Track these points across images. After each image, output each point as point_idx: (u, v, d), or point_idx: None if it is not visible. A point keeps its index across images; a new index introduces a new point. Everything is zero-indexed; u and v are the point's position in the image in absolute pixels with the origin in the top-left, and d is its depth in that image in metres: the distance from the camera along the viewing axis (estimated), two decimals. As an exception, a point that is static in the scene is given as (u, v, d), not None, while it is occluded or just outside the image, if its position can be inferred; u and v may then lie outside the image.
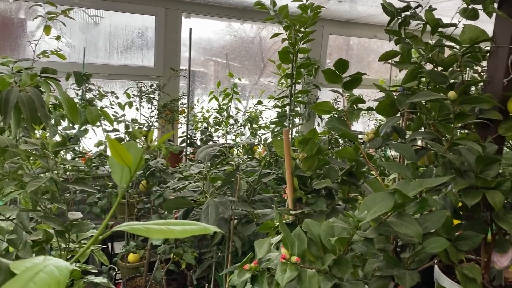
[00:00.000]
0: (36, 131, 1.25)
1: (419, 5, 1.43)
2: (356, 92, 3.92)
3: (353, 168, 1.17)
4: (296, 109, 3.57)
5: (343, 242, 0.86)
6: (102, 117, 2.59)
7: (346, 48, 5.01)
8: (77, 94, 3.12)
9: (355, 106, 1.23)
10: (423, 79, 1.31)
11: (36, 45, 2.93)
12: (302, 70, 3.40)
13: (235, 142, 3.55)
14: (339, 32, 4.49)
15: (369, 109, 1.22)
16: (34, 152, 1.01)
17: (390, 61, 1.33)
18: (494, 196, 0.96)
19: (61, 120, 2.46)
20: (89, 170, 2.99)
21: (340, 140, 2.23)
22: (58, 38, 2.82)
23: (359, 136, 1.17)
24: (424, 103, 1.07)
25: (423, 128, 1.23)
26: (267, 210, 1.52)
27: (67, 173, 3.04)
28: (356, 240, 0.86)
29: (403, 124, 1.22)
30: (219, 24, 4.19)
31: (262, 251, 1.00)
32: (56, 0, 2.96)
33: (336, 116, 1.21)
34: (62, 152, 2.81)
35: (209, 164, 1.91)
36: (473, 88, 1.54)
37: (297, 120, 4.28)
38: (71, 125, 2.66)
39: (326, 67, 4.55)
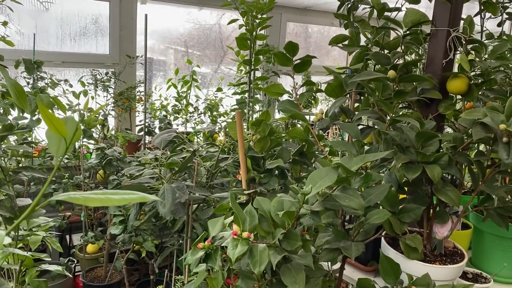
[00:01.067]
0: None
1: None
2: (315, 79, 3.99)
3: (304, 148, 1.21)
4: (256, 96, 3.60)
5: (291, 216, 0.89)
6: (55, 106, 2.52)
7: (304, 35, 5.07)
8: (28, 83, 3.01)
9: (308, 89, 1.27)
10: (371, 62, 1.36)
11: (-19, 31, 2.80)
12: (261, 57, 3.43)
13: (194, 130, 3.54)
14: (297, 19, 4.54)
15: (318, 91, 1.26)
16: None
17: (339, 44, 1.37)
18: (433, 170, 1.02)
19: (10, 109, 2.37)
20: (43, 161, 2.91)
21: (298, 124, 2.28)
22: (5, 23, 2.70)
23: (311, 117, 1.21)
24: (369, 84, 1.12)
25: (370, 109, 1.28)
26: (224, 194, 1.54)
27: (20, 164, 2.95)
28: (303, 213, 0.89)
29: (350, 105, 1.27)
30: (178, 10, 4.14)
31: (216, 230, 1.02)
32: (2, -17, 2.83)
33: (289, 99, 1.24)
34: (12, 142, 2.71)
35: (168, 152, 1.90)
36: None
37: (257, 107, 4.31)
38: (22, 114, 2.56)
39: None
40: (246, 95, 3.13)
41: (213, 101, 3.75)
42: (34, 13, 3.34)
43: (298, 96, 1.21)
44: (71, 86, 3.10)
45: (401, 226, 1.08)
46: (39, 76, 3.05)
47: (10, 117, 2.69)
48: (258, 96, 4.37)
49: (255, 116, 3.80)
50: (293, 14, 4.43)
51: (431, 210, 1.19)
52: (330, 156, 1.18)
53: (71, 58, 3.43)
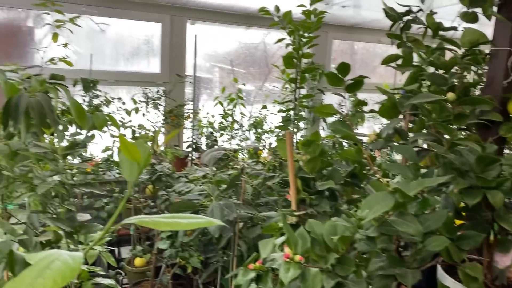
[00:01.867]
0: (45, 136, 1.28)
1: (420, 10, 1.46)
2: (362, 96, 3.94)
3: (356, 170, 1.19)
4: (300, 113, 3.60)
5: (345, 240, 0.88)
6: (109, 122, 2.63)
7: (350, 52, 5.04)
8: (84, 101, 3.17)
9: (358, 109, 1.25)
10: (425, 82, 1.33)
11: (44, 52, 2.98)
12: (306, 74, 3.43)
13: (240, 147, 3.58)
14: (343, 37, 4.52)
15: (371, 111, 1.24)
16: (44, 155, 1.03)
17: (392, 64, 1.35)
18: (494, 195, 0.97)
19: (68, 126, 2.49)
20: (96, 175, 3.03)
21: (345, 144, 2.25)
22: (65, 45, 2.88)
23: (363, 138, 1.19)
24: (425, 105, 1.09)
25: (425, 131, 1.24)
26: (272, 213, 1.54)
27: (74, 178, 3.09)
28: (358, 238, 0.88)
29: (405, 126, 1.24)
30: (224, 30, 4.24)
31: (266, 251, 1.02)
32: (63, 8, 3.02)
33: (340, 119, 1.23)
34: (69, 157, 2.85)
35: (214, 168, 1.93)
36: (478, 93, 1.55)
37: (301, 125, 4.30)
38: (78, 130, 2.69)
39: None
40: (291, 112, 3.14)
41: (258, 119, 3.78)
42: (91, 34, 3.53)
43: (348, 116, 1.20)
44: (124, 103, 3.24)
45: (459, 254, 1.03)
46: (94, 94, 3.20)
47: (67, 133, 2.84)
48: (303, 113, 4.37)
49: (299, 134, 3.79)
50: (339, 32, 4.42)
51: (492, 237, 1.13)
52: (383, 179, 1.15)
53: (124, 77, 3.59)
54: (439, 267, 1.13)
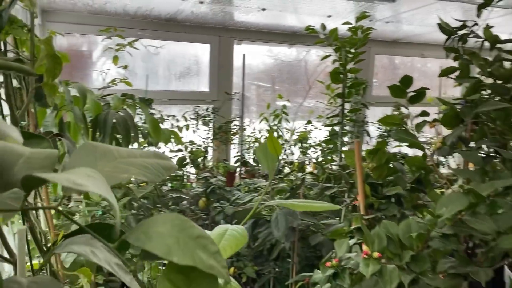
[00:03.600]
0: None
1: (476, 24, 1.52)
2: (411, 109, 3.95)
3: (422, 176, 1.26)
4: (345, 127, 3.67)
5: (421, 238, 0.95)
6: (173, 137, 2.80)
7: (391, 67, 5.07)
8: (140, 119, 3.37)
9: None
10: (483, 92, 1.39)
11: (105, 74, 3.21)
12: (352, 89, 3.52)
13: (289, 160, 3.68)
14: (386, 52, 4.57)
15: (435, 121, 1.31)
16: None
17: (452, 76, 1.42)
18: (563, 198, 1.02)
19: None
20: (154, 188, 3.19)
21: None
22: (125, 67, 3.09)
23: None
24: (488, 114, 1.15)
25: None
26: (332, 221, 1.62)
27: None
28: (433, 236, 0.95)
29: (467, 135, 1.30)
30: (265, 48, 4.38)
31: (342, 250, 1.10)
32: (121, 32, 3.25)
33: (403, 128, 1.30)
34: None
35: (272, 181, 2.03)
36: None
37: (346, 139, 4.35)
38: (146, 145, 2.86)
39: (373, 86, 4.62)
40: (337, 127, 3.22)
41: (303, 133, 3.87)
42: (146, 56, 3.76)
43: (414, 126, 1.27)
44: (177, 121, 3.42)
45: (529, 255, 1.08)
46: (150, 113, 3.39)
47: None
48: (347, 127, 4.42)
49: (346, 147, 3.85)
50: (382, 47, 4.48)
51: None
52: (449, 185, 1.21)
53: (176, 96, 3.78)
54: (506, 268, 1.17)
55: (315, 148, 3.81)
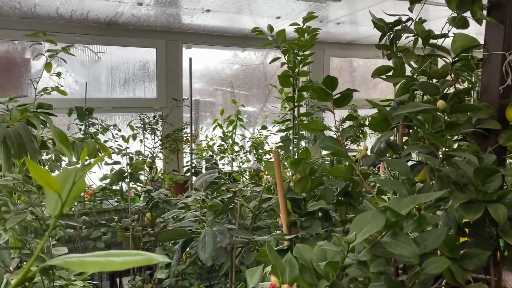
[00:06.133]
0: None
1: (410, 19, 1.41)
2: (363, 112, 3.88)
3: (349, 188, 1.12)
4: (301, 132, 3.55)
5: (335, 266, 0.80)
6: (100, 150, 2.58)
7: (349, 69, 5.01)
8: (80, 129, 3.14)
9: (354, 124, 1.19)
10: (418, 93, 1.27)
11: (37, 82, 2.97)
12: (305, 93, 3.40)
13: (240, 169, 3.52)
14: (341, 54, 4.49)
15: (361, 125, 1.18)
16: (14, 186, 0.98)
17: (382, 76, 1.30)
18: (497, 209, 0.90)
19: (61, 156, 2.45)
20: (93, 204, 2.97)
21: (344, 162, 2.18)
22: (58, 74, 2.85)
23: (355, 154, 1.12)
24: (417, 117, 1.03)
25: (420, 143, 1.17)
26: (266, 237, 1.46)
27: (72, 209, 3.03)
28: (349, 263, 0.80)
29: (398, 140, 1.17)
30: (225, 53, 4.24)
31: (254, 280, 0.94)
32: (58, 37, 3.02)
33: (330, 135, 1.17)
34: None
35: (209, 192, 1.87)
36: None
37: (303, 143, 4.24)
38: (72, 160, 2.65)
39: (330, 89, 4.53)
40: (291, 132, 3.09)
41: (257, 139, 3.73)
42: (88, 63, 3.53)
43: (339, 132, 1.13)
44: (119, 130, 3.20)
45: (464, 275, 0.95)
46: (90, 123, 3.18)
47: (64, 163, 2.80)
48: (304, 132, 4.32)
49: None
50: (337, 49, 4.40)
51: (499, 254, 1.05)
52: (377, 196, 1.08)
53: (121, 104, 3.57)
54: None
55: (269, 155, 3.67)
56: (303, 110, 4.00)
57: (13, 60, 3.35)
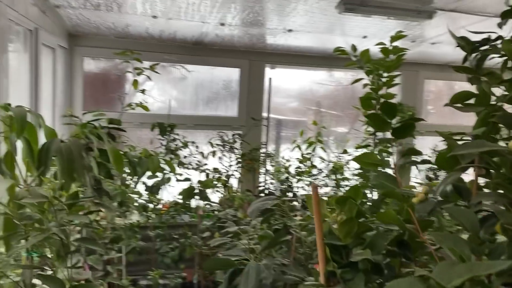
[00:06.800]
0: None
1: (500, 37, 1.18)
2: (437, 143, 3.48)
3: (404, 236, 0.93)
4: (386, 159, 3.26)
5: None
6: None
7: (450, 94, 4.58)
8: (161, 144, 3.24)
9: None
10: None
11: (124, 98, 3.13)
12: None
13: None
14: (437, 76, 4.12)
15: (425, 162, 0.99)
16: (39, 203, 0.97)
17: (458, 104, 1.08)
18: None
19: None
20: (166, 218, 3.01)
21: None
22: (143, 91, 2.99)
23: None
24: (492, 157, 0.81)
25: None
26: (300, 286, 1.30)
27: (149, 220, 3.11)
28: None
29: (473, 183, 0.95)
30: (321, 73, 4.15)
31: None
32: (148, 56, 3.18)
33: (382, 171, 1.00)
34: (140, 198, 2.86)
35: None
36: None
37: (390, 171, 3.93)
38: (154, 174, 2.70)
39: (423, 114, 4.17)
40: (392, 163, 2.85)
41: (337, 164, 3.53)
42: (174, 81, 3.67)
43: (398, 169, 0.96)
44: (197, 147, 3.25)
45: None
46: (172, 138, 3.27)
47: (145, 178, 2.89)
48: (390, 159, 4.00)
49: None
50: (433, 71, 4.04)
51: None
52: (437, 252, 0.87)
53: (203, 121, 3.63)
54: None
55: (349, 181, 3.45)
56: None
57: (108, 76, 3.60)
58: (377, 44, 2.73)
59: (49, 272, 0.97)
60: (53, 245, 0.98)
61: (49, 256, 1.03)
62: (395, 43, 2.79)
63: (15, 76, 2.15)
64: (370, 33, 3.09)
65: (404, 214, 0.93)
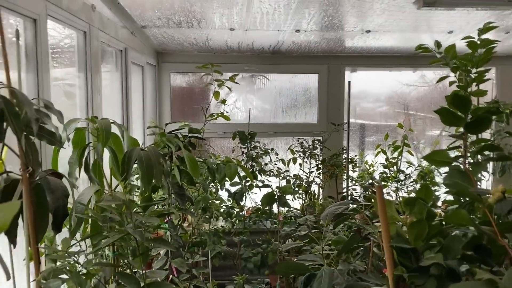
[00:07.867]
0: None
1: None
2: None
3: (481, 240, 0.85)
4: (480, 161, 3.01)
5: None
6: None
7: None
8: (242, 152, 3.33)
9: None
10: None
11: (207, 109, 3.28)
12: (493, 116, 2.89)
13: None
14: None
15: (504, 158, 0.90)
16: (117, 209, 1.06)
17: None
18: None
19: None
20: (248, 224, 3.07)
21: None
22: (223, 101, 3.10)
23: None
24: None
25: None
26: None
27: (234, 226, 3.20)
28: None
29: None
30: (411, 75, 3.99)
31: None
32: (229, 68, 3.30)
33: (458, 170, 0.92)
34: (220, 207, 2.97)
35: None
36: None
37: (487, 176, 3.60)
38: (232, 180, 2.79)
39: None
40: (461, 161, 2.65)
41: (426, 168, 3.32)
42: (255, 90, 3.76)
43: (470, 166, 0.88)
44: (277, 154, 3.28)
45: None
46: (252, 146, 3.34)
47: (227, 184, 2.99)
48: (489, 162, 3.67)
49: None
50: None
51: None
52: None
53: (282, 128, 3.66)
54: None
55: (438, 186, 3.22)
56: (486, 135, 3.42)
57: (193, 90, 3.80)
58: (464, 38, 2.54)
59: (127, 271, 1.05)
60: (130, 245, 1.06)
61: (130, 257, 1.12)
62: (484, 36, 2.59)
63: (108, 93, 2.37)
64: (456, 27, 2.89)
65: (482, 216, 0.85)
